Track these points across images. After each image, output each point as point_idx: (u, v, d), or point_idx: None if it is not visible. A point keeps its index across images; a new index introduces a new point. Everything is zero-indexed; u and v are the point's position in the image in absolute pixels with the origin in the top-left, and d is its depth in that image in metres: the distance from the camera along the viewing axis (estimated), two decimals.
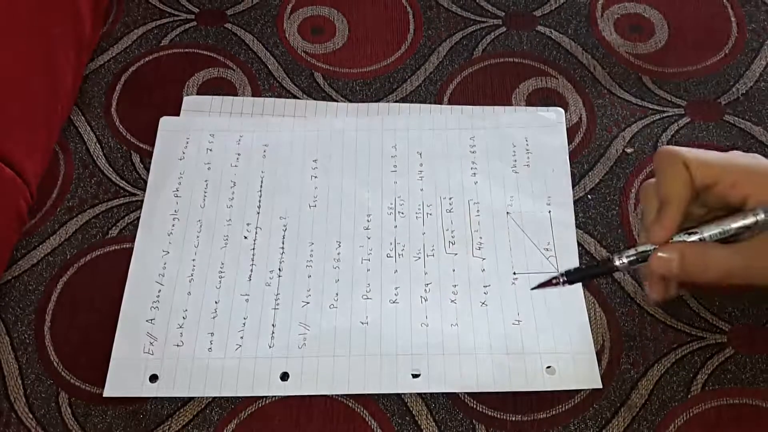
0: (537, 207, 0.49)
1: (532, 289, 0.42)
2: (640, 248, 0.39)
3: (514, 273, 0.46)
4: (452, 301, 0.46)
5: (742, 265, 0.37)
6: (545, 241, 0.47)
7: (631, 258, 0.38)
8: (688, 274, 0.38)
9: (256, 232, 0.48)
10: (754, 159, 0.39)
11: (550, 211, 0.49)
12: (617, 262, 0.39)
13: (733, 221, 0.38)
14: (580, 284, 0.46)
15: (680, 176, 0.38)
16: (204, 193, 0.50)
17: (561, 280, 0.40)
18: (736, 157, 0.39)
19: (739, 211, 0.38)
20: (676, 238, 0.38)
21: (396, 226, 0.48)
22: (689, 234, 0.38)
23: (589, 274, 0.42)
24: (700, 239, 0.38)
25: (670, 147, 0.39)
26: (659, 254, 0.38)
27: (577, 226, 0.48)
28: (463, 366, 0.43)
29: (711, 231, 0.38)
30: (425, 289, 0.46)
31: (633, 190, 0.50)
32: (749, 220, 0.37)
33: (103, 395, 0.43)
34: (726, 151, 0.40)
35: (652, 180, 0.40)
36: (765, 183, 0.37)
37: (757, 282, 0.38)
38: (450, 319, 0.45)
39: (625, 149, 0.51)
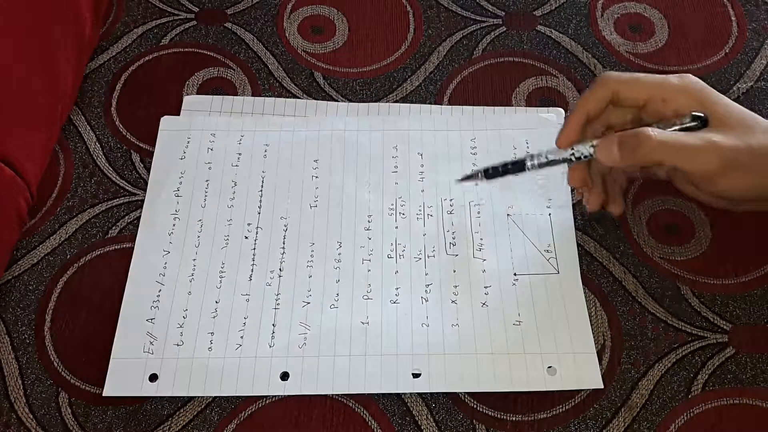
0: (537, 209, 0.49)
1: (458, 180, 0.47)
2: (550, 155, 0.44)
3: (515, 274, 0.46)
4: (453, 301, 0.46)
5: (675, 141, 0.40)
6: (546, 243, 0.47)
7: (542, 161, 0.44)
8: (626, 153, 0.41)
9: (256, 232, 0.48)
10: (685, 77, 0.43)
11: (550, 214, 0.49)
12: (528, 164, 0.44)
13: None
14: (580, 284, 0.46)
15: (595, 94, 0.43)
16: (205, 193, 0.50)
17: (480, 176, 0.45)
18: (669, 77, 0.43)
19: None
20: (589, 141, 0.43)
21: (397, 227, 0.48)
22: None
23: (504, 171, 0.45)
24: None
25: (607, 72, 0.44)
26: (600, 144, 0.42)
27: (577, 228, 0.48)
28: (463, 366, 0.43)
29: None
30: (426, 290, 0.46)
31: (630, 194, 0.50)
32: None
33: (103, 395, 0.43)
34: None
35: None
36: (693, 98, 0.42)
37: (687, 166, 0.40)
38: (451, 319, 0.45)
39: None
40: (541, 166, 0.44)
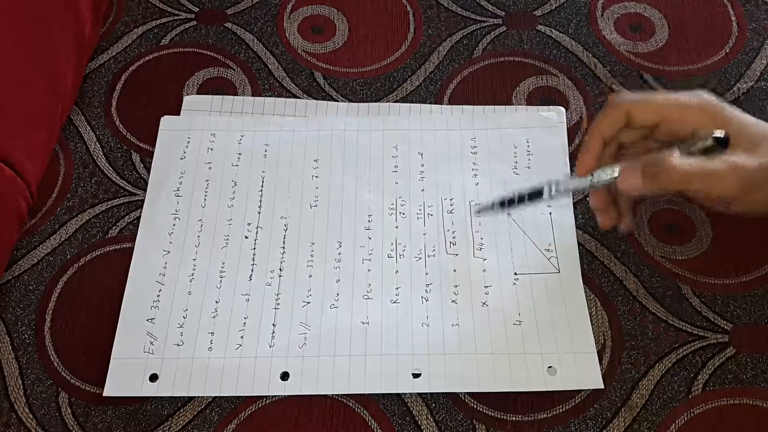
0: (538, 208, 0.49)
1: (476, 213, 0.48)
2: (570, 184, 0.43)
3: (515, 273, 0.46)
4: (453, 301, 0.45)
5: (698, 169, 0.39)
6: (546, 242, 0.47)
7: (560, 190, 0.43)
8: (649, 181, 0.40)
9: (256, 232, 0.48)
10: (699, 95, 0.42)
11: (550, 213, 0.49)
12: (546, 194, 0.43)
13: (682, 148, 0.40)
14: (581, 283, 0.46)
15: (610, 117, 0.42)
16: (205, 193, 0.50)
17: (495, 207, 0.44)
18: (681, 96, 0.42)
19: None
20: (609, 168, 0.42)
21: (397, 227, 0.48)
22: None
23: (521, 201, 0.44)
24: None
25: (622, 94, 0.43)
26: (623, 174, 0.41)
27: (578, 227, 0.48)
28: (463, 366, 0.43)
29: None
30: (426, 290, 0.46)
31: None
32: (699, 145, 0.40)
33: (103, 395, 0.43)
34: None
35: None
36: (708, 115, 0.41)
37: (711, 191, 0.39)
38: (451, 319, 0.45)
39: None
40: (560, 195, 0.43)
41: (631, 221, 0.46)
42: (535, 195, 0.43)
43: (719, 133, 0.39)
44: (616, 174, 0.41)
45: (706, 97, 0.42)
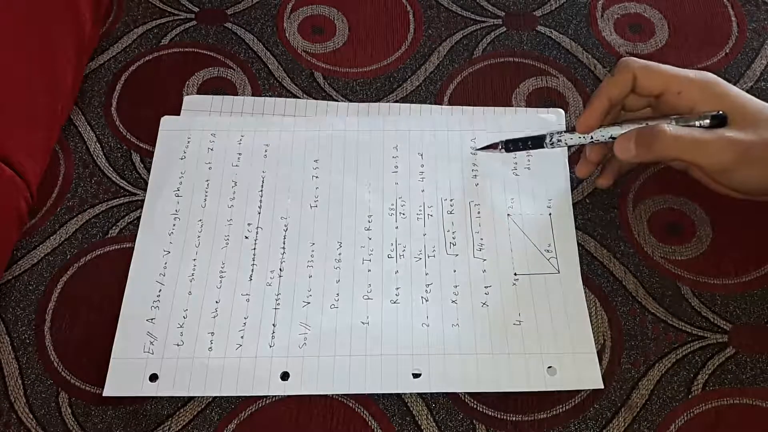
0: (537, 209, 0.49)
1: (477, 149, 0.51)
2: (569, 139, 0.46)
3: (515, 274, 0.46)
4: (453, 301, 0.46)
5: (691, 137, 0.40)
6: (546, 243, 0.47)
7: (560, 141, 0.46)
8: (642, 148, 0.42)
9: (257, 232, 0.48)
10: (704, 73, 0.43)
11: (550, 213, 0.49)
12: (547, 140, 0.47)
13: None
14: (580, 284, 0.46)
15: (618, 80, 0.43)
16: (205, 193, 0.50)
17: (500, 147, 0.49)
18: (687, 71, 0.43)
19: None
20: (608, 128, 0.44)
21: (397, 227, 0.48)
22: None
23: (524, 146, 0.48)
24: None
25: (629, 58, 0.44)
26: (618, 140, 0.43)
27: (577, 228, 0.48)
28: (464, 366, 0.43)
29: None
30: (426, 290, 0.46)
31: (631, 194, 0.50)
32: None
33: (103, 395, 0.43)
34: None
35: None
36: (708, 93, 0.42)
37: (702, 162, 0.41)
38: (451, 319, 0.45)
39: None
40: (558, 145, 0.46)
41: (609, 179, 0.48)
42: (537, 141, 0.47)
43: (717, 113, 0.41)
44: (614, 134, 0.44)
45: (711, 76, 0.43)
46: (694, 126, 0.41)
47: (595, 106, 0.44)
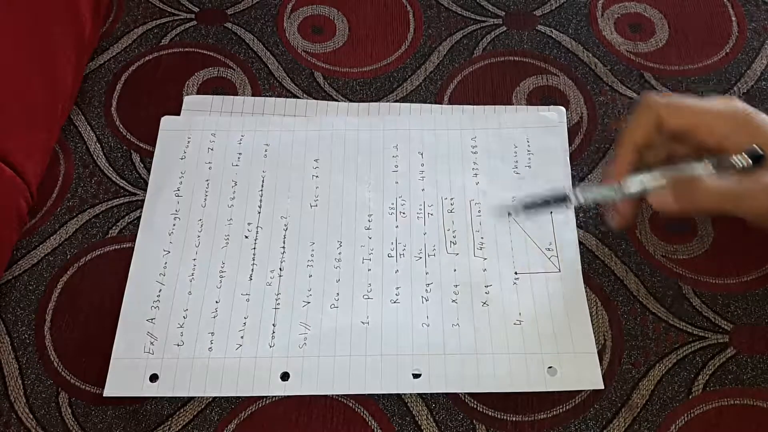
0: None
1: (492, 211, 0.47)
2: (597, 192, 0.42)
3: (516, 273, 0.46)
4: (453, 301, 0.45)
5: (732, 189, 0.38)
6: (547, 241, 0.47)
7: (587, 197, 0.42)
8: (682, 204, 0.39)
9: (257, 232, 0.48)
10: (731, 103, 0.40)
11: (551, 211, 0.48)
12: (573, 199, 0.42)
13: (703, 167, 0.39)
14: (582, 283, 0.46)
15: (642, 122, 0.41)
16: (205, 193, 0.50)
17: (519, 210, 0.44)
18: (713, 103, 0.40)
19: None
20: (639, 177, 0.41)
21: (397, 226, 0.48)
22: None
23: (545, 206, 0.43)
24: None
25: (651, 96, 0.41)
26: (654, 192, 0.40)
27: (578, 226, 0.48)
28: (464, 366, 0.43)
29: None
30: (426, 289, 0.46)
31: None
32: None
33: (104, 395, 0.43)
34: None
35: None
36: (739, 129, 0.39)
37: (746, 212, 0.38)
38: (451, 319, 0.45)
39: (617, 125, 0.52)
40: (586, 202, 0.42)
41: (630, 220, 0.45)
42: (560, 200, 0.42)
43: (756, 152, 0.38)
44: (645, 182, 0.40)
45: (739, 105, 0.40)
46: (730, 164, 0.38)
47: (623, 156, 0.41)
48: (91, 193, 0.50)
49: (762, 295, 0.46)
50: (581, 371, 0.43)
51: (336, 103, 0.54)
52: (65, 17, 0.52)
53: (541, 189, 0.49)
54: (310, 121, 0.53)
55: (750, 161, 0.38)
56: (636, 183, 0.41)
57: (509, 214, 0.45)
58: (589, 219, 0.49)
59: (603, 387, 0.43)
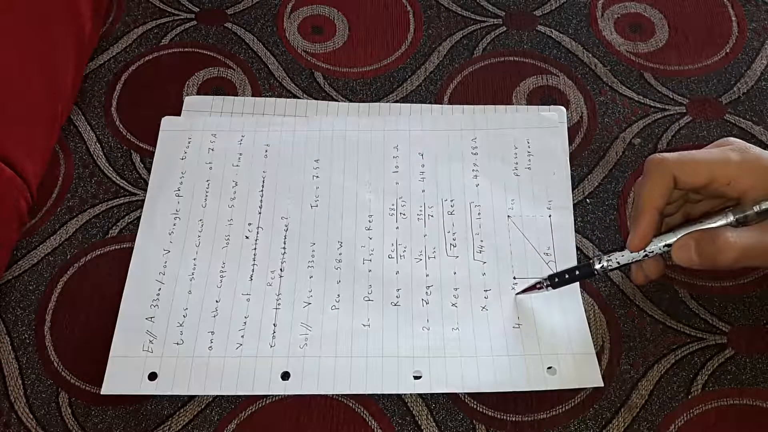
0: (538, 211, 0.49)
1: (518, 294, 0.45)
2: (621, 259, 0.42)
3: (514, 278, 0.46)
4: (453, 304, 0.46)
5: (756, 245, 0.38)
6: (545, 246, 0.47)
7: (612, 265, 0.42)
8: (706, 260, 0.39)
9: (257, 232, 0.48)
10: (745, 152, 0.40)
11: (550, 216, 0.49)
12: (598, 267, 0.42)
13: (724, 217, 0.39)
14: (578, 289, 0.46)
15: (658, 185, 0.40)
16: (205, 193, 0.50)
17: (545, 284, 0.44)
18: (727, 153, 0.40)
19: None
20: (663, 240, 0.41)
21: (398, 228, 0.48)
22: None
23: (572, 279, 0.44)
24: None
25: (659, 156, 0.41)
26: (676, 247, 0.40)
27: (576, 231, 0.48)
28: (464, 368, 0.43)
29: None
30: (426, 292, 0.46)
31: (630, 195, 0.50)
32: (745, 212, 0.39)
33: (101, 392, 0.42)
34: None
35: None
36: (760, 177, 0.39)
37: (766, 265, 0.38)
38: (451, 323, 0.45)
39: (633, 141, 0.51)
40: (610, 268, 0.42)
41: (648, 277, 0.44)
42: (585, 269, 0.43)
43: None
44: (670, 243, 0.40)
45: (755, 153, 0.40)
46: (753, 215, 0.38)
47: (646, 222, 0.40)
48: (91, 193, 0.50)
49: (759, 296, 0.46)
50: (581, 370, 0.43)
51: (336, 103, 0.54)
52: (65, 17, 0.52)
53: (542, 190, 0.50)
54: (310, 122, 0.53)
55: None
56: (660, 246, 0.41)
57: (538, 287, 0.44)
58: (586, 224, 0.49)
59: (602, 385, 0.43)
